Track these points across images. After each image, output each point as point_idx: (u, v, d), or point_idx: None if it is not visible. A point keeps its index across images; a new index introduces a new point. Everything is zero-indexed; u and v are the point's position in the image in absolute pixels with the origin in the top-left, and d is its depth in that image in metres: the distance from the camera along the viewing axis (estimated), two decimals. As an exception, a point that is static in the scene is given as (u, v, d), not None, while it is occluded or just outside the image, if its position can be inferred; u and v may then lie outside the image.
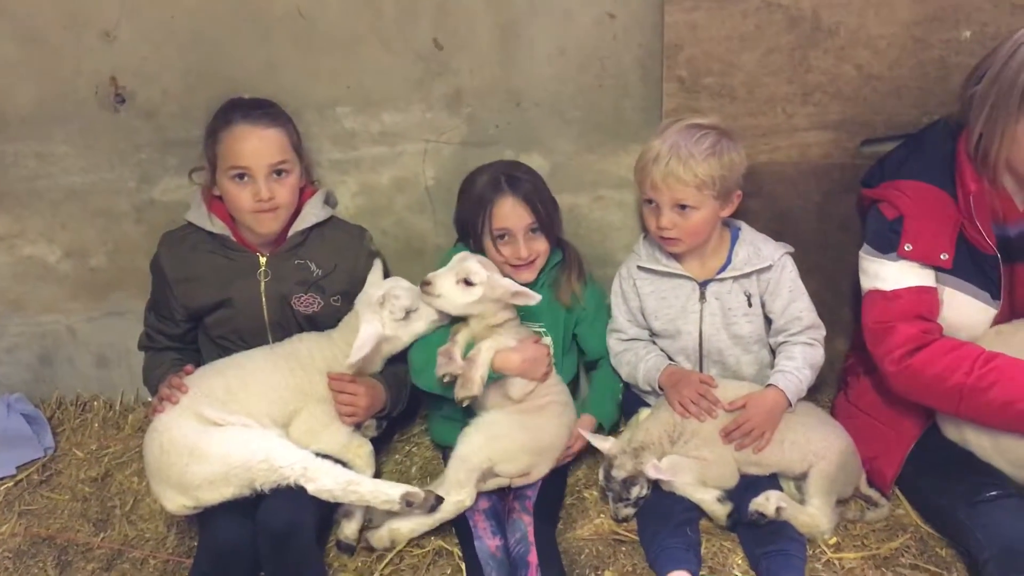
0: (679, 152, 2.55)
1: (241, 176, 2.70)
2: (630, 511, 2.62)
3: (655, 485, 2.61)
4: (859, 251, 2.62)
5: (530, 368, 2.70)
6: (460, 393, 2.58)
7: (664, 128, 2.63)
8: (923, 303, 2.47)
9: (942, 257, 2.46)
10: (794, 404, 2.64)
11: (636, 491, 2.59)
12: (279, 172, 2.74)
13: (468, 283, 2.65)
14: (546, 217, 2.78)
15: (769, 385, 2.66)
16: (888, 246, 2.50)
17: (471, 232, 2.81)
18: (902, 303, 2.47)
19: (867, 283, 2.57)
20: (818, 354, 2.73)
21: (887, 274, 2.51)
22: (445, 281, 2.66)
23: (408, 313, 2.68)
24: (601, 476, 2.66)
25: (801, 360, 2.69)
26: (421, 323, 2.72)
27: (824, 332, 2.77)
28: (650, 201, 2.65)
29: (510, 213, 2.74)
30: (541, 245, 2.80)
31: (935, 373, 2.39)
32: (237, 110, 2.73)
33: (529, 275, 2.81)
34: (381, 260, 2.95)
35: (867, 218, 2.63)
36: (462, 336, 2.68)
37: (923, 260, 2.47)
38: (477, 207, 2.76)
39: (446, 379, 2.61)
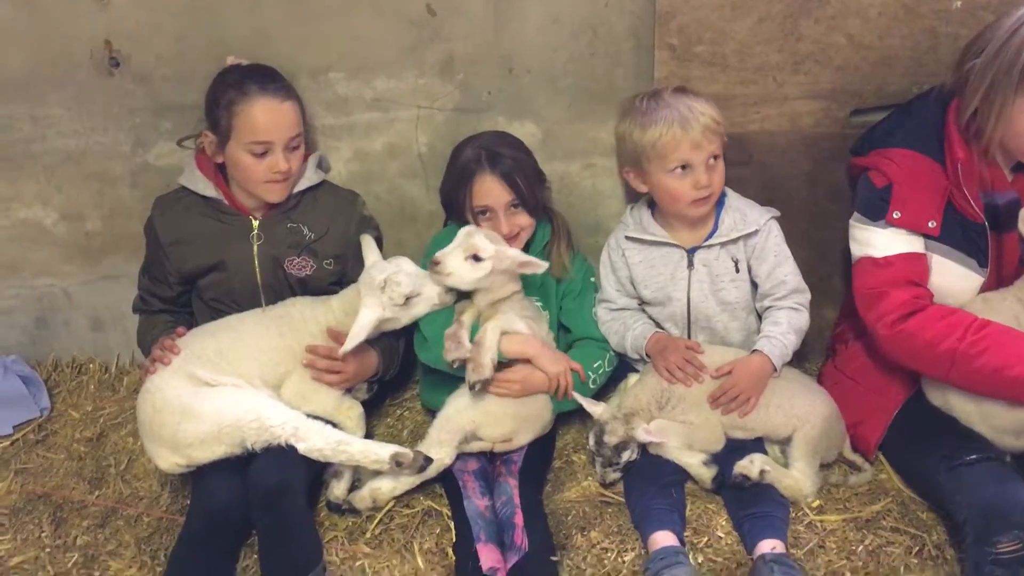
0: (695, 108, 2.59)
1: (263, 150, 2.72)
2: (617, 475, 2.66)
3: (643, 449, 2.64)
4: (849, 220, 2.63)
5: (547, 356, 2.71)
6: (472, 378, 2.61)
7: (654, 109, 2.62)
8: (914, 269, 2.49)
9: (930, 225, 2.48)
10: (779, 369, 2.68)
11: (627, 455, 2.62)
12: (293, 144, 2.77)
13: (477, 259, 2.65)
14: (527, 193, 2.77)
15: (755, 351, 2.69)
16: (877, 213, 2.52)
17: (455, 206, 2.82)
18: (894, 269, 2.49)
19: (858, 250, 2.58)
20: (803, 319, 2.76)
21: (877, 241, 2.52)
22: (454, 259, 2.65)
23: (408, 299, 2.69)
24: (592, 441, 2.68)
25: (786, 325, 2.71)
26: (421, 307, 2.73)
27: (809, 296, 2.79)
28: (684, 167, 2.63)
29: (489, 191, 2.75)
30: (523, 220, 2.81)
31: (927, 338, 2.41)
32: (251, 81, 2.72)
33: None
34: (375, 231, 2.98)
35: (856, 186, 2.64)
36: (467, 316, 2.70)
37: (911, 227, 2.49)
38: (459, 183, 2.78)
39: (455, 364, 2.64)
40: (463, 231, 2.70)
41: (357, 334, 2.62)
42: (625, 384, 2.83)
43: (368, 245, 2.85)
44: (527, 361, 2.71)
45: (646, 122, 2.63)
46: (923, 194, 2.48)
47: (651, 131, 2.62)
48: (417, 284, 2.70)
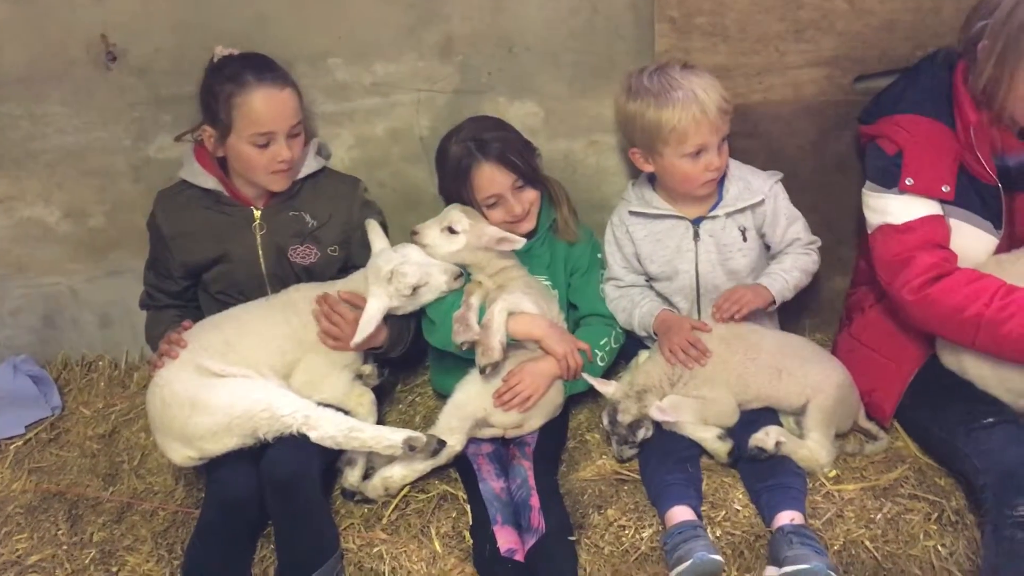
0: (708, 89, 2.56)
1: (265, 140, 2.70)
2: (634, 452, 2.66)
3: (656, 425, 2.63)
4: (859, 189, 2.62)
5: (555, 336, 2.70)
6: (482, 361, 2.61)
7: (667, 89, 2.56)
8: (937, 232, 2.48)
9: (944, 189, 2.46)
10: (777, 299, 2.70)
11: (642, 433, 2.62)
12: (295, 131, 2.75)
13: (452, 231, 2.71)
14: (526, 168, 2.75)
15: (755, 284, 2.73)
16: (890, 181, 2.50)
17: (462, 202, 2.80)
18: (918, 234, 2.47)
19: (875, 219, 2.56)
20: (810, 260, 2.79)
21: (895, 208, 2.50)
22: (431, 231, 2.74)
23: (416, 289, 2.68)
24: (605, 420, 2.68)
25: (790, 264, 2.75)
26: (429, 295, 2.72)
27: (820, 243, 2.82)
28: (697, 153, 2.61)
29: (491, 179, 2.73)
30: (530, 195, 2.79)
31: (954, 303, 2.38)
32: (248, 71, 2.68)
33: (528, 224, 2.81)
34: (378, 215, 2.95)
35: (866, 155, 2.63)
36: (475, 299, 2.70)
37: (925, 193, 2.47)
38: (456, 180, 2.76)
39: (464, 347, 2.63)
40: (446, 208, 2.77)
41: (366, 325, 2.61)
42: (636, 361, 2.82)
43: (374, 231, 2.83)
44: (526, 352, 2.72)
45: (661, 103, 2.57)
46: (935, 159, 2.46)
47: (667, 113, 2.57)
48: (424, 274, 2.68)
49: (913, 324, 2.55)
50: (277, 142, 2.71)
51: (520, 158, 2.74)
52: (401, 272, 2.65)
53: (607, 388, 2.68)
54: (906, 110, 2.51)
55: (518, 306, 2.68)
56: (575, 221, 2.92)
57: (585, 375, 2.71)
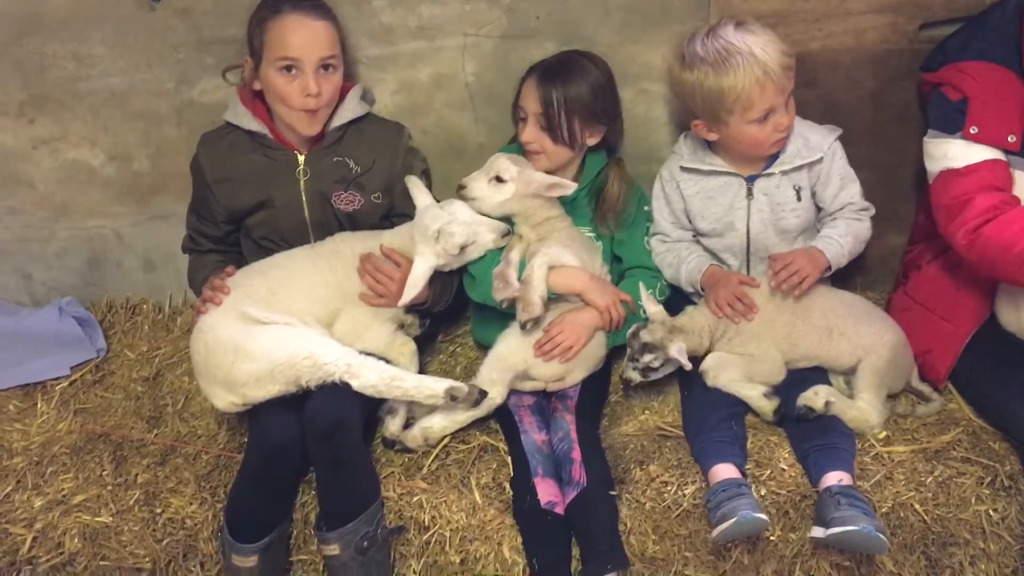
0: (767, 47, 2.45)
1: (289, 68, 2.65)
2: (635, 376, 2.61)
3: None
4: (919, 142, 2.54)
5: (596, 288, 2.66)
6: (523, 317, 2.58)
7: (725, 55, 2.43)
8: (998, 176, 2.40)
9: (1009, 139, 2.38)
10: (833, 265, 2.61)
11: (648, 359, 2.57)
12: (326, 67, 2.69)
13: (500, 180, 2.67)
14: (559, 123, 2.65)
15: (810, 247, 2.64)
16: (953, 127, 2.42)
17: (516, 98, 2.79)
18: (978, 176, 2.40)
19: (935, 166, 2.48)
20: (864, 227, 2.69)
21: (956, 153, 2.43)
22: (478, 183, 2.70)
23: (463, 248, 2.65)
24: (629, 333, 2.64)
25: (844, 229, 2.66)
26: (476, 253, 2.70)
27: (873, 211, 2.71)
28: (765, 116, 2.50)
29: (525, 95, 2.71)
30: (546, 143, 2.70)
31: (1004, 241, 2.31)
32: (286, 1, 2.66)
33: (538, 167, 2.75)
34: (422, 163, 2.91)
35: (929, 103, 2.54)
36: (515, 254, 2.66)
37: (990, 143, 2.39)
38: (522, 77, 2.75)
39: (504, 304, 2.60)
40: (491, 158, 2.72)
41: (413, 286, 2.60)
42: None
43: (415, 186, 2.77)
44: (568, 305, 2.68)
45: (720, 71, 2.45)
46: (1002, 108, 2.37)
47: (728, 80, 2.44)
48: (471, 232, 2.65)
49: (970, 268, 2.48)
50: (304, 72, 2.65)
51: (564, 116, 2.65)
52: (448, 232, 2.62)
53: (652, 307, 2.63)
54: (973, 57, 2.43)
55: (558, 259, 2.64)
56: (614, 217, 2.81)
57: (640, 285, 2.68)
